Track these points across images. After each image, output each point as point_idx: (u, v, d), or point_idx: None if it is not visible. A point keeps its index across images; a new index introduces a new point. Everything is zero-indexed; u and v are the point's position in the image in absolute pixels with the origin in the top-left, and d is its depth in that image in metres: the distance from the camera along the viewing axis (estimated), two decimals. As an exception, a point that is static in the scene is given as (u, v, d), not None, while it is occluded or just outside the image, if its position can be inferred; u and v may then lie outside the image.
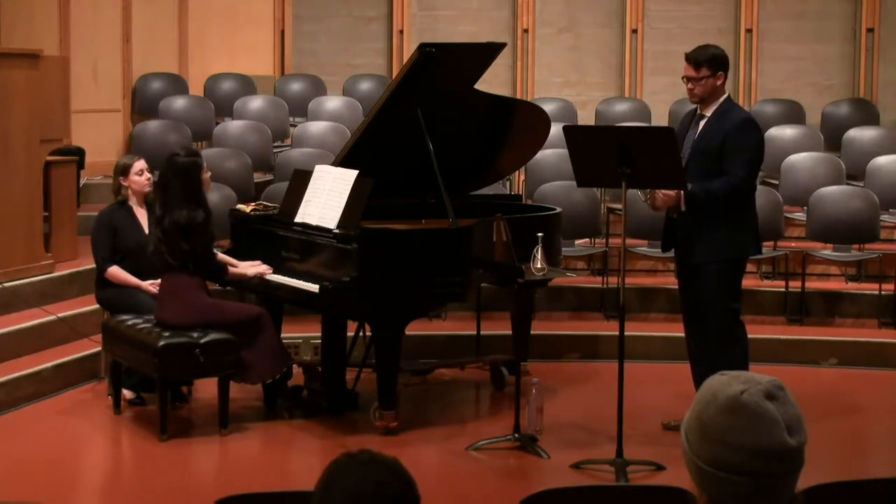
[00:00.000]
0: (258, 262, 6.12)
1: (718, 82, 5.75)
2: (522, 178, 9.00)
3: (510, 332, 6.42)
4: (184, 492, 5.27)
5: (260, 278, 6.09)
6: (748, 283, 6.05)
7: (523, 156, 7.06)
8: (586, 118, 10.04)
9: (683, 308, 5.98)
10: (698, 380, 5.69)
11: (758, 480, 1.91)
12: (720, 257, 5.72)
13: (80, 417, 6.23)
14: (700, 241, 5.71)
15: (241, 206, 6.68)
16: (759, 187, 6.19)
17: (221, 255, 6.20)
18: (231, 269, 6.07)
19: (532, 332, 6.80)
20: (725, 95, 5.82)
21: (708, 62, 5.72)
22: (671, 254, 6.10)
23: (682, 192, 5.58)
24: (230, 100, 10.06)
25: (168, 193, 5.90)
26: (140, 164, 6.50)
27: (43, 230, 7.39)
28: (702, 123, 5.79)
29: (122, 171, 6.49)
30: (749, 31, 10.36)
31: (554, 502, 2.85)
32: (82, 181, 8.71)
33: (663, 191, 5.63)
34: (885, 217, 8.32)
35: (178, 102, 9.87)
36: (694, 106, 5.98)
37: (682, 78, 5.82)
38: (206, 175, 6.09)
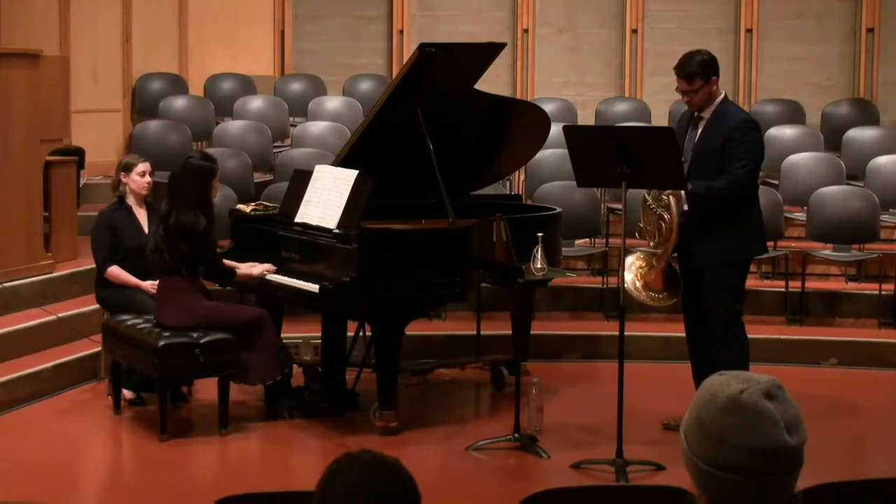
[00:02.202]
0: (256, 264, 6.11)
1: (713, 87, 5.73)
2: (522, 178, 9.00)
3: (510, 332, 6.43)
4: (184, 492, 5.27)
5: (260, 278, 6.09)
6: (748, 283, 6.06)
7: (523, 156, 7.07)
8: (586, 118, 10.04)
9: (685, 307, 5.98)
10: (698, 380, 5.68)
11: (757, 480, 1.91)
12: (724, 259, 5.72)
13: (80, 417, 6.23)
14: (704, 242, 5.70)
15: (241, 206, 6.68)
16: (760, 187, 6.19)
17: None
18: (240, 273, 6.05)
19: (532, 332, 6.80)
20: (722, 96, 5.80)
21: (699, 73, 5.69)
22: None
23: (682, 191, 5.59)
24: (230, 100, 10.06)
25: (178, 194, 5.86)
26: (144, 167, 6.50)
27: (43, 230, 7.39)
28: (700, 125, 5.78)
29: (126, 167, 6.50)
30: (749, 31, 10.36)
31: (554, 502, 2.85)
32: (82, 181, 8.71)
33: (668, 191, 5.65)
34: (885, 217, 8.32)
35: (178, 102, 9.87)
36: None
37: (677, 90, 5.80)
38: (216, 183, 6.07)
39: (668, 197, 5.64)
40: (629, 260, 5.74)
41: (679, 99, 5.99)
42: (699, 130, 5.78)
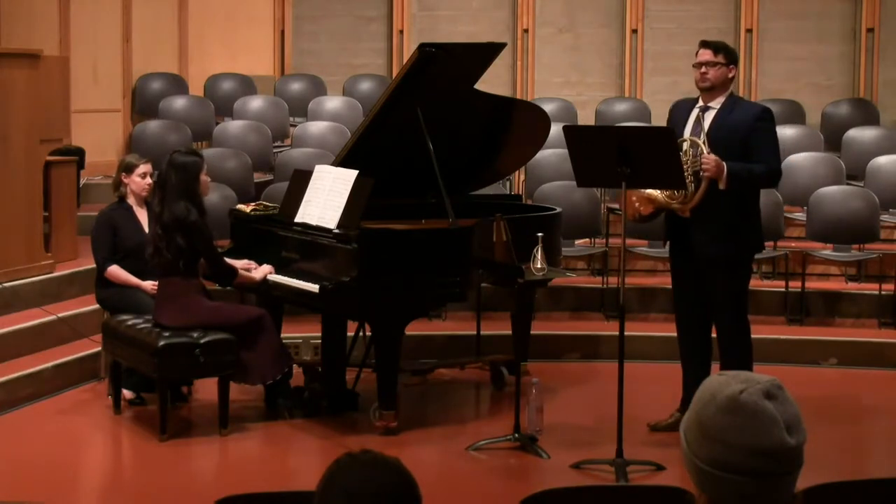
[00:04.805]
0: (252, 263, 6.09)
1: (730, 74, 5.79)
2: (522, 178, 9.00)
3: (510, 332, 6.43)
4: (184, 492, 5.27)
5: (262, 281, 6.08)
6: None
7: (523, 155, 7.06)
8: (586, 118, 10.04)
9: (684, 307, 5.91)
10: (693, 381, 5.65)
11: (757, 480, 1.91)
12: (739, 256, 5.71)
13: (80, 417, 6.23)
14: (719, 240, 5.61)
15: (241, 206, 6.68)
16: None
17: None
18: (241, 274, 6.04)
19: (532, 332, 6.80)
20: (730, 90, 5.83)
21: (725, 51, 5.80)
22: (664, 252, 6.03)
23: (724, 166, 5.46)
24: (230, 100, 10.07)
25: (166, 189, 5.89)
26: (145, 168, 6.50)
27: (43, 230, 7.39)
28: (709, 115, 5.72)
29: (127, 168, 6.50)
30: (749, 31, 10.36)
31: (554, 502, 2.85)
32: (82, 181, 8.71)
33: (709, 157, 5.48)
34: (885, 217, 8.32)
35: (178, 102, 9.88)
36: (684, 97, 5.96)
37: (695, 64, 5.76)
38: (206, 178, 6.07)
39: (703, 173, 5.50)
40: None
41: (679, 98, 5.99)
42: (708, 120, 5.71)
